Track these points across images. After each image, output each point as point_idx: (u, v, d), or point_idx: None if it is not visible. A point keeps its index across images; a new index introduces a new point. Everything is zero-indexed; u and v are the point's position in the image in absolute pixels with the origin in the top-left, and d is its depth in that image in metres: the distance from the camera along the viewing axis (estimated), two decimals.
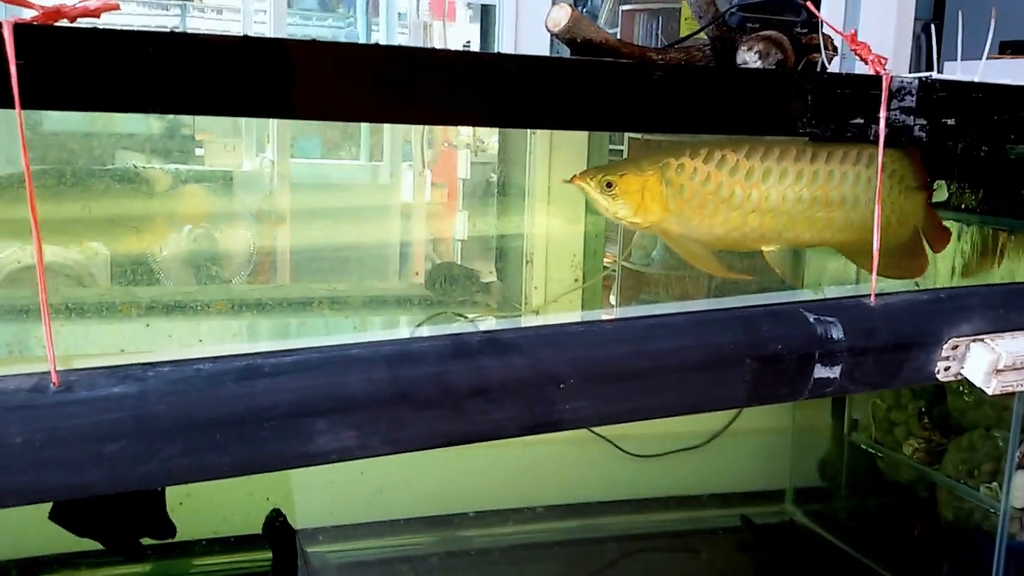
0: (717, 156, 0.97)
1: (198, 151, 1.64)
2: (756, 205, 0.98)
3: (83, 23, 0.63)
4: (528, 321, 1.62)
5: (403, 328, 1.69)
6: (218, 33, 0.66)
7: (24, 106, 0.61)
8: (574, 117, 0.75)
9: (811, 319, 0.84)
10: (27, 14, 0.62)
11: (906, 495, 1.51)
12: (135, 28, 0.64)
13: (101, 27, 0.63)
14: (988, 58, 1.22)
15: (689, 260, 1.03)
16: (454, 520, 1.55)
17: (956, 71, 1.11)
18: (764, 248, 1.03)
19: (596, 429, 1.56)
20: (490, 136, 1.87)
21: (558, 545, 1.58)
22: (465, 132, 1.91)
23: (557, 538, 1.59)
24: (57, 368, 0.63)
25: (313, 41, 0.65)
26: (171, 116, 1.60)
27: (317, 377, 0.68)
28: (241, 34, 0.68)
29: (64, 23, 0.63)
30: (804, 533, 1.70)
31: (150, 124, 1.58)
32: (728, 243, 1.01)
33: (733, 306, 0.86)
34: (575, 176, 1.00)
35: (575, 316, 1.63)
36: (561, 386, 0.72)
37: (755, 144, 0.98)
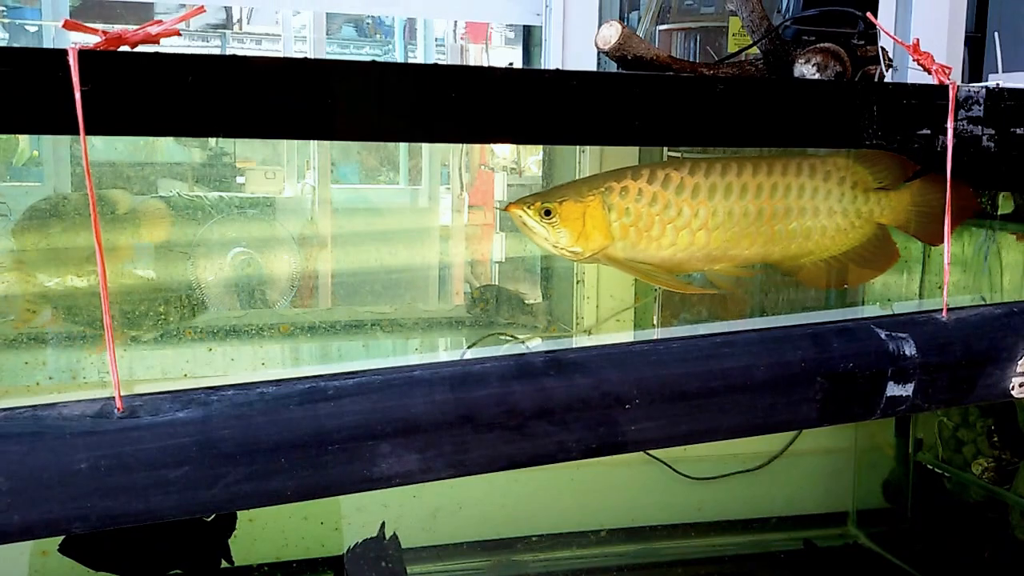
0: (661, 176, 0.92)
1: (239, 179, 1.66)
2: (703, 223, 0.93)
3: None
4: (581, 341, 1.60)
5: (451, 351, 1.68)
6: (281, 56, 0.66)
7: (88, 132, 0.62)
8: (638, 132, 0.74)
9: (883, 335, 0.82)
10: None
11: (975, 516, 1.47)
12: (197, 53, 0.64)
13: (164, 52, 0.63)
14: None
15: (644, 279, 0.99)
16: (508, 544, 1.53)
17: (1000, 83, 1.08)
18: (712, 268, 0.98)
19: (652, 451, 1.53)
20: (525, 158, 1.87)
21: (614, 570, 1.56)
22: (500, 154, 1.91)
23: (613, 563, 1.56)
24: (121, 393, 0.63)
25: (390, 63, 0.65)
26: (212, 144, 1.62)
27: (380, 400, 0.67)
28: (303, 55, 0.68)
29: (126, 48, 0.63)
30: (869, 556, 1.66)
31: (191, 152, 1.60)
32: (675, 264, 0.96)
33: (800, 323, 0.84)
34: (510, 204, 0.93)
35: (628, 336, 1.61)
36: (627, 407, 0.71)
37: (697, 161, 0.93)
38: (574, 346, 0.76)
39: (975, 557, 1.47)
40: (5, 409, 0.63)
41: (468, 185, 1.87)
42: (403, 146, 1.97)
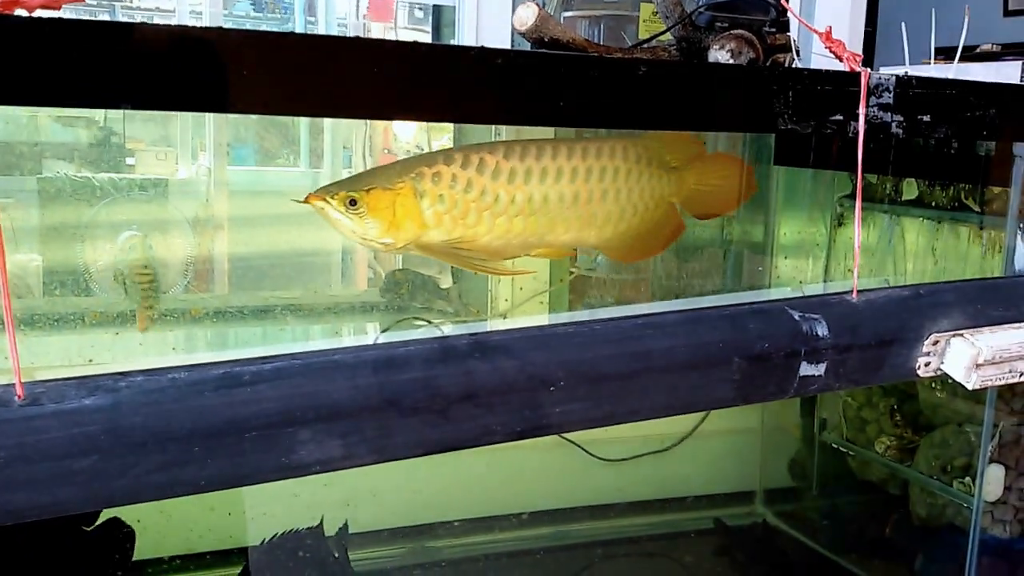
0: (475, 160, 0.88)
1: (129, 160, 1.59)
2: (520, 208, 0.90)
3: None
4: (496, 325, 1.60)
5: (367, 336, 1.66)
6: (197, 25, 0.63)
7: None
8: (562, 113, 0.73)
9: (796, 316, 0.83)
10: None
11: (878, 493, 1.52)
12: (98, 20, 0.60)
13: (63, 18, 0.59)
14: (920, 63, 1.24)
15: (462, 267, 0.96)
16: (422, 531, 1.52)
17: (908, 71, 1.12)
18: (529, 253, 0.94)
19: (566, 435, 1.54)
20: (431, 142, 1.85)
21: (529, 553, 1.56)
22: (404, 138, 1.89)
23: (528, 546, 1.57)
24: (21, 380, 0.59)
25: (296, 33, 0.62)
26: (101, 124, 1.55)
27: (300, 385, 0.64)
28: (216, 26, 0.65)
29: (22, 13, 0.59)
30: (777, 534, 1.70)
31: (77, 132, 1.53)
32: (493, 251, 0.92)
33: (717, 304, 0.84)
34: (310, 195, 0.86)
35: (543, 320, 1.61)
36: (552, 389, 0.70)
37: (511, 144, 0.90)
38: (495, 329, 0.75)
39: (878, 533, 1.53)
40: None
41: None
42: (304, 128, 1.93)
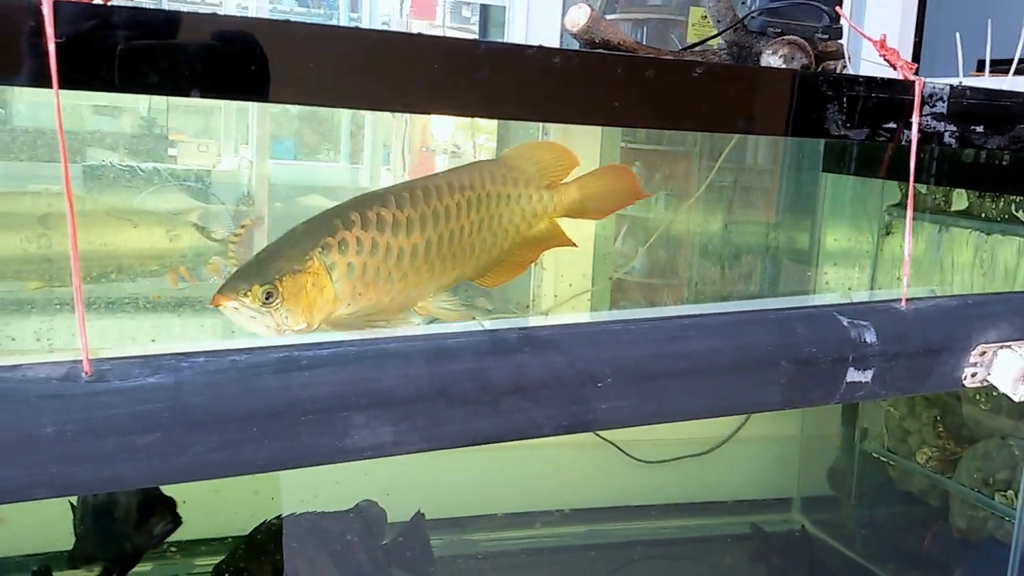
0: (373, 218, 0.82)
1: (171, 150, 1.62)
2: (419, 257, 0.84)
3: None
4: (537, 322, 1.61)
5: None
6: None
7: (61, 86, 0.60)
8: (617, 113, 0.74)
9: (844, 322, 0.83)
10: None
11: (918, 504, 1.51)
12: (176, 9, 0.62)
13: (144, 7, 0.62)
14: (968, 75, 1.23)
15: (372, 328, 0.89)
16: (461, 523, 1.53)
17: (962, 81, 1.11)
18: (426, 299, 0.88)
19: (602, 434, 1.54)
20: (466, 141, 1.86)
21: (565, 550, 1.57)
22: (442, 137, 1.90)
23: (564, 543, 1.58)
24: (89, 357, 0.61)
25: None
26: (144, 115, 1.59)
27: (355, 371, 0.66)
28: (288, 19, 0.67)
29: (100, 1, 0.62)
30: (813, 541, 1.69)
31: (120, 122, 1.56)
32: (396, 307, 0.85)
33: (765, 308, 0.85)
34: (217, 295, 0.76)
35: (584, 319, 1.62)
36: (599, 385, 0.71)
37: (397, 193, 0.84)
38: (543, 324, 0.76)
39: (916, 544, 1.51)
40: None
41: (409, 167, 1.86)
42: (345, 124, 1.95)
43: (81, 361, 0.61)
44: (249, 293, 0.74)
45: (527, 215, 0.94)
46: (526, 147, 0.96)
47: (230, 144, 1.78)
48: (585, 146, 1.68)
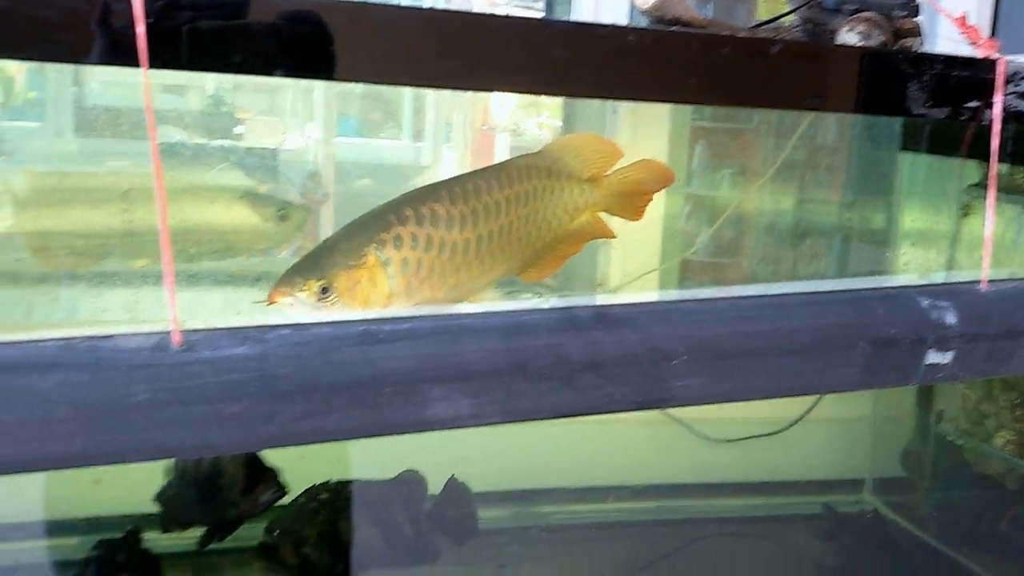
0: (427, 214, 0.82)
1: (237, 128, 1.65)
2: (472, 251, 0.85)
3: None
4: (603, 299, 1.61)
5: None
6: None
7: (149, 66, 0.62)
8: (693, 90, 0.74)
9: (924, 303, 0.82)
10: None
11: (995, 487, 1.48)
12: None
13: None
14: None
15: None
16: (530, 496, 1.55)
17: None
18: (477, 294, 0.89)
19: (672, 412, 1.54)
20: (525, 119, 1.86)
21: (633, 526, 1.58)
22: (502, 116, 1.90)
23: (634, 519, 1.58)
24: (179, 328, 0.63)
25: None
26: (211, 93, 1.62)
27: (433, 345, 0.67)
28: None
29: None
30: (886, 523, 1.67)
31: (188, 100, 1.60)
32: (449, 301, 0.86)
33: (841, 288, 0.84)
34: (273, 291, 0.78)
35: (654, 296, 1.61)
36: (673, 363, 0.71)
37: (449, 187, 0.85)
38: (620, 302, 0.76)
39: (992, 527, 1.48)
40: (62, 339, 0.64)
41: (470, 145, 1.87)
42: (408, 101, 1.97)
43: (171, 332, 0.63)
44: (305, 288, 0.76)
45: (570, 208, 0.94)
46: (569, 140, 0.97)
47: (296, 122, 1.81)
48: (654, 125, 1.67)
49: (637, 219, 1.00)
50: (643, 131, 1.60)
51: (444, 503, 1.39)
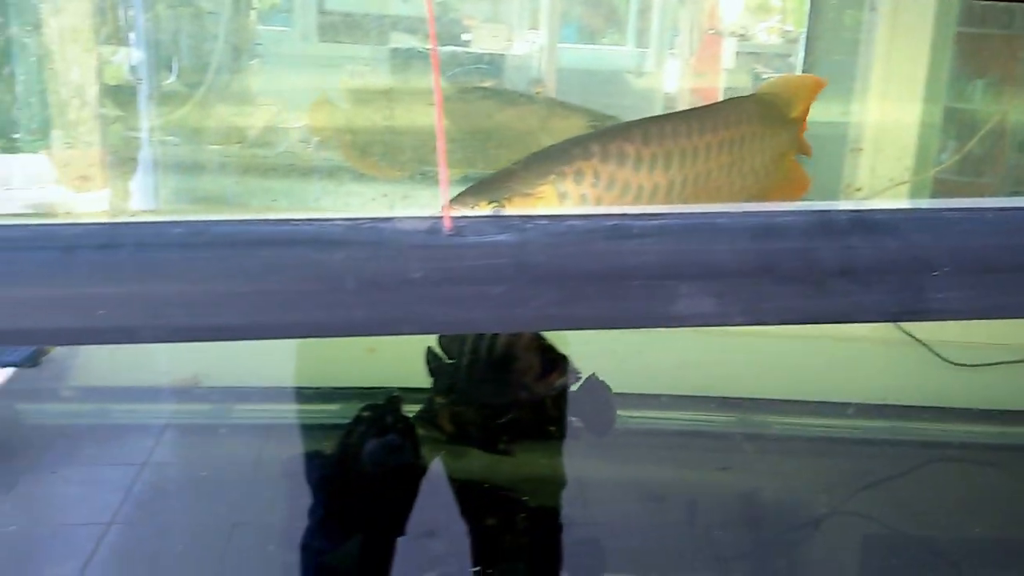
0: (614, 151, 0.78)
1: (465, 35, 1.68)
2: (664, 196, 0.81)
3: None
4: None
5: None
6: None
7: None
8: None
9: None
10: None
11: None
12: None
13: None
14: None
15: None
16: (753, 405, 1.55)
17: None
18: None
19: (914, 332, 1.48)
20: (754, 23, 1.78)
21: (864, 443, 1.55)
22: (729, 19, 1.82)
23: (860, 436, 1.55)
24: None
25: None
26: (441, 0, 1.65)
27: (682, 242, 0.69)
28: None
29: None
30: None
31: (419, 7, 1.64)
32: None
33: None
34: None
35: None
36: (934, 274, 0.69)
37: (644, 127, 0.80)
38: (873, 207, 0.74)
39: None
40: (348, 219, 0.71)
41: (694, 49, 1.81)
42: (633, 7, 1.93)
43: (443, 217, 0.68)
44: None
45: (775, 155, 0.89)
46: (781, 82, 0.92)
47: (521, 29, 1.83)
48: (916, 28, 1.56)
49: (808, 152, 0.95)
50: (902, 36, 1.50)
51: (582, 397, 1.40)
